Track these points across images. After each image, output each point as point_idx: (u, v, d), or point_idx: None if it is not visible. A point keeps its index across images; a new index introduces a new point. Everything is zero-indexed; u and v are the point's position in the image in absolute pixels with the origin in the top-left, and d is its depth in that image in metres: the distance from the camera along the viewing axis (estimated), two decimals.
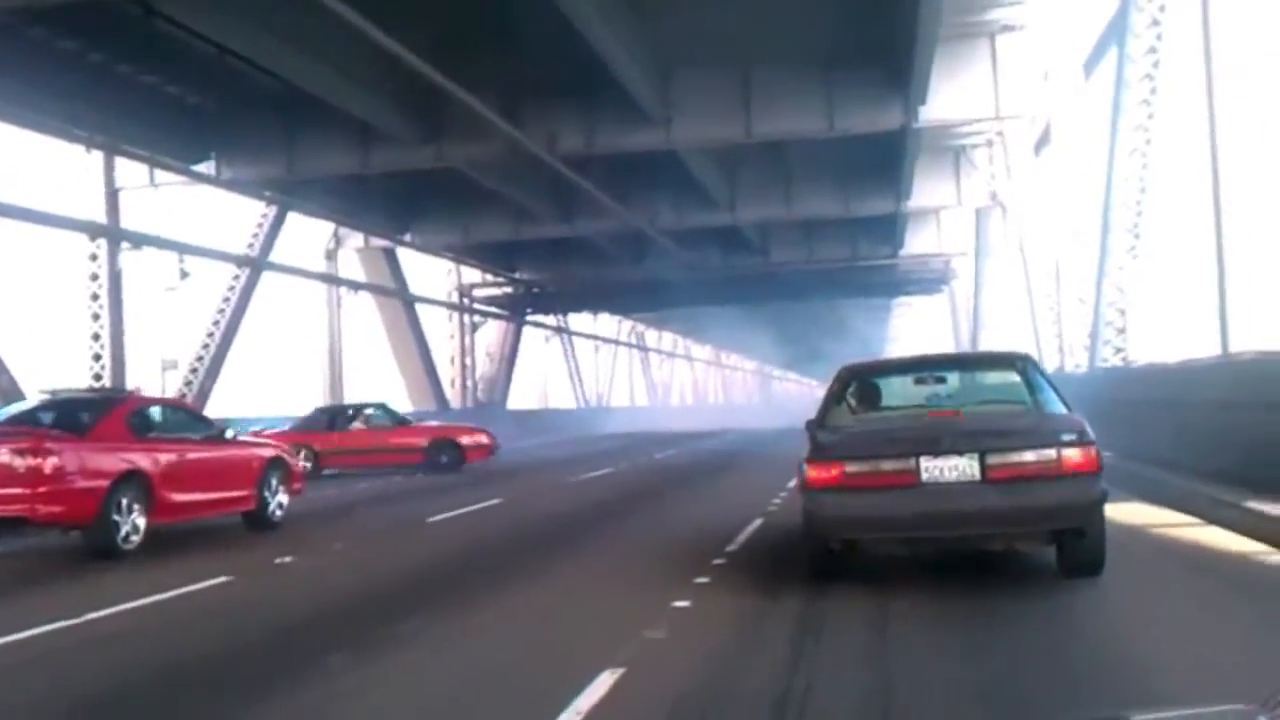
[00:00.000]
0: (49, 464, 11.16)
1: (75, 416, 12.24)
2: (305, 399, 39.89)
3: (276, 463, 14.25)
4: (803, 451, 8.77)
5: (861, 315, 69.49)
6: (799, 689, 5.86)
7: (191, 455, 12.94)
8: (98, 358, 28.34)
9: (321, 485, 21.30)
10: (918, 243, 43.27)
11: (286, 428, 26.64)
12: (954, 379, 10.49)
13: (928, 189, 34.61)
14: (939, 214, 41.40)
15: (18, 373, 24.02)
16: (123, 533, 11.66)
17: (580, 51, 20.48)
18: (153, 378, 31.52)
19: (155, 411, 13.30)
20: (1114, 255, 21.09)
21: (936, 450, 8.09)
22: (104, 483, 11.49)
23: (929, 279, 50.28)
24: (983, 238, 40.51)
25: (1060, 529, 8.23)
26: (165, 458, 12.44)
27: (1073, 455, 8.01)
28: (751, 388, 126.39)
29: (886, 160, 30.73)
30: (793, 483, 16.10)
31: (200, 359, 32.14)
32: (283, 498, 14.35)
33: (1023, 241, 31.63)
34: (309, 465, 23.74)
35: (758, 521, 12.77)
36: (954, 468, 8.06)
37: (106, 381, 27.99)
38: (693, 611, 8.07)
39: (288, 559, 11.45)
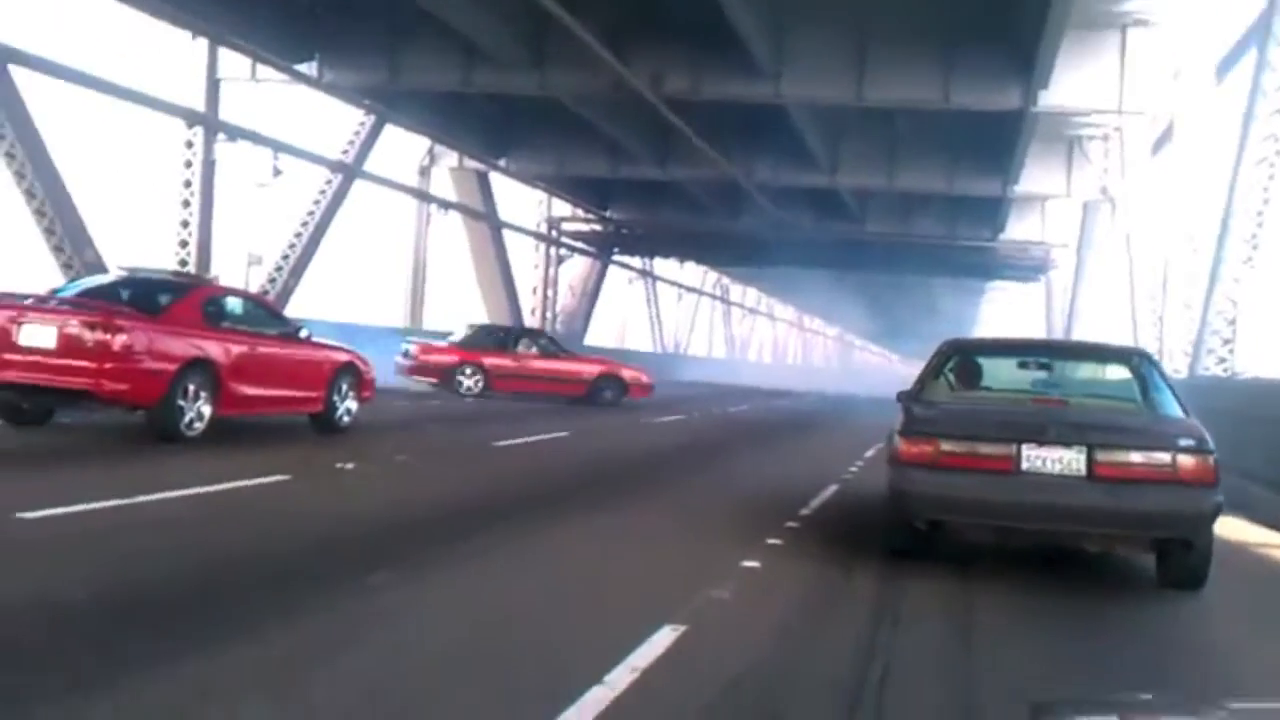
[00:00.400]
0: (118, 341, 10.98)
1: (150, 297, 12.07)
2: (384, 312, 40.05)
3: (349, 368, 14.04)
4: (894, 422, 8.36)
5: (952, 295, 68.28)
6: (873, 679, 5.43)
7: (263, 350, 12.73)
8: (184, 244, 28.38)
9: (391, 397, 21.15)
10: (1019, 229, 42.17)
11: (444, 343, 27.12)
12: (1061, 368, 9.96)
13: (1036, 176, 33.64)
14: (1044, 203, 40.34)
15: (105, 251, 24.09)
16: (187, 419, 11.49)
17: None
18: (237, 271, 31.61)
19: (231, 302, 13.10)
20: (1229, 263, 20.22)
21: (1041, 439, 7.63)
22: (172, 366, 11.30)
23: (1027, 266, 49.13)
24: (1088, 232, 39.41)
25: (1166, 538, 7.75)
26: (236, 349, 12.25)
27: (1188, 462, 7.52)
28: (831, 354, 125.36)
29: (997, 142, 29.88)
30: (870, 452, 15.77)
31: (285, 258, 32.10)
32: (352, 404, 14.15)
33: (1130, 240, 30.61)
34: (479, 383, 25.05)
35: (833, 488, 12.37)
36: (1058, 459, 7.60)
37: (191, 268, 28.08)
38: (762, 574, 7.71)
39: (349, 465, 11.24)
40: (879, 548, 8.41)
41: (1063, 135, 32.36)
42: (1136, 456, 7.60)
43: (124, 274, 13.55)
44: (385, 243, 40.87)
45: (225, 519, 8.31)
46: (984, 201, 37.42)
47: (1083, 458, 7.56)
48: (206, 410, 11.70)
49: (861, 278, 59.33)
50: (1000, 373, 9.63)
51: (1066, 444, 7.59)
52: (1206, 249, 21.61)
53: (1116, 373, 9.64)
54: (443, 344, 26.67)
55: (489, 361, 26.01)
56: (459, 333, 28.46)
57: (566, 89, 27.17)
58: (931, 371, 9.08)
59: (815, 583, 7.59)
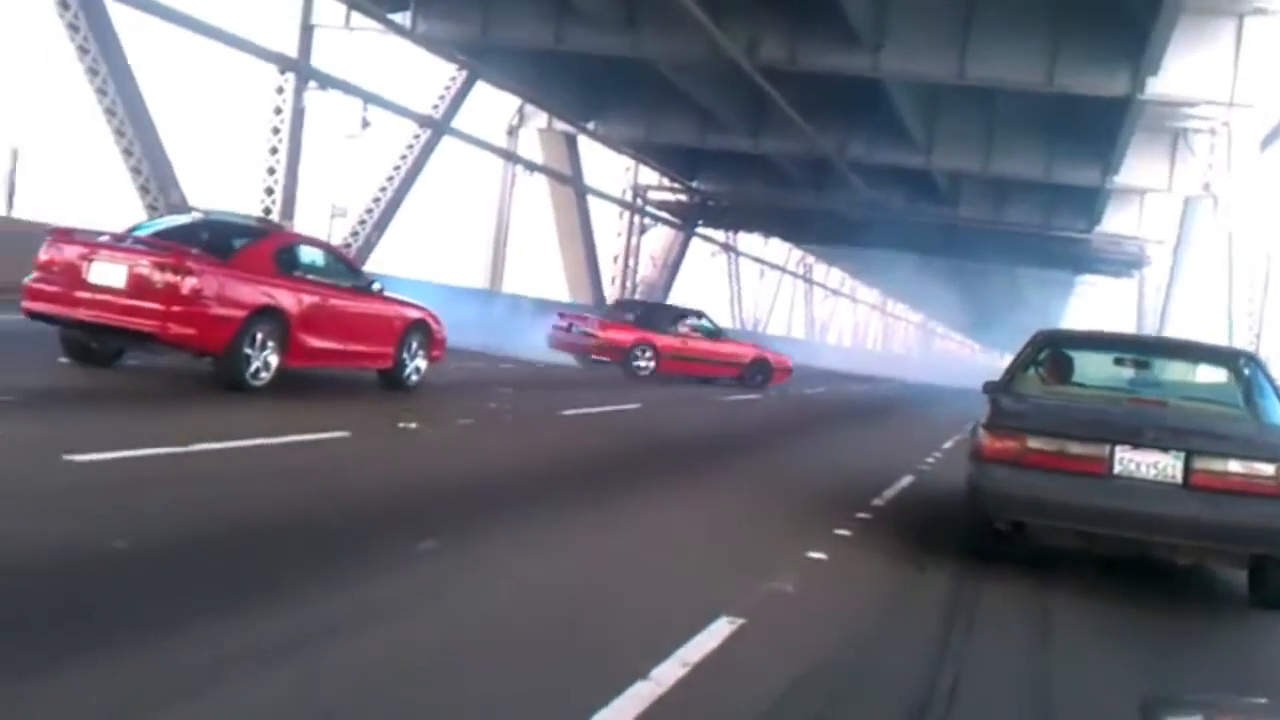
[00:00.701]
0: (187, 284, 10.74)
1: (224, 240, 11.80)
2: (463, 272, 39.95)
3: (419, 325, 13.73)
4: (979, 414, 7.91)
5: (1039, 287, 66.94)
6: (943, 688, 5.03)
7: (335, 302, 12.43)
8: (270, 192, 28.36)
9: (460, 359, 20.95)
10: (1115, 222, 41.06)
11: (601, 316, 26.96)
12: (1160, 367, 9.44)
13: (1137, 168, 32.66)
14: (1143, 196, 39.19)
15: (192, 194, 24.12)
16: (253, 368, 11.25)
17: None
18: (321, 223, 31.61)
19: (305, 251, 12.77)
20: None
21: (1136, 441, 7.17)
22: (240, 313, 11.06)
23: (1121, 261, 47.86)
24: (1187, 229, 38.21)
25: (1264, 554, 7.24)
26: (307, 299, 11.96)
27: None
28: (912, 341, 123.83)
29: (1099, 129, 29.00)
30: (949, 443, 15.25)
31: (370, 211, 32.03)
32: (421, 363, 13.86)
33: (1233, 239, 29.57)
34: (652, 364, 24.11)
35: (908, 479, 11.88)
36: (1153, 464, 7.14)
37: (275, 217, 28.08)
38: (828, 567, 7.28)
39: (412, 425, 10.90)
40: (954, 545, 7.98)
41: (1167, 127, 31.33)
42: (1237, 466, 7.10)
43: (201, 216, 13.36)
44: (469, 202, 40.68)
45: (274, 475, 8.03)
46: (1081, 191, 36.42)
47: (1180, 464, 7.10)
48: (274, 360, 11.44)
49: (949, 264, 58.27)
50: (1095, 368, 9.11)
51: (1164, 448, 7.14)
52: None
53: (1219, 375, 9.13)
54: (600, 318, 26.29)
55: (661, 342, 24.94)
56: (606, 307, 28.96)
57: (660, 53, 26.72)
58: (1022, 363, 8.59)
59: (885, 579, 7.20)
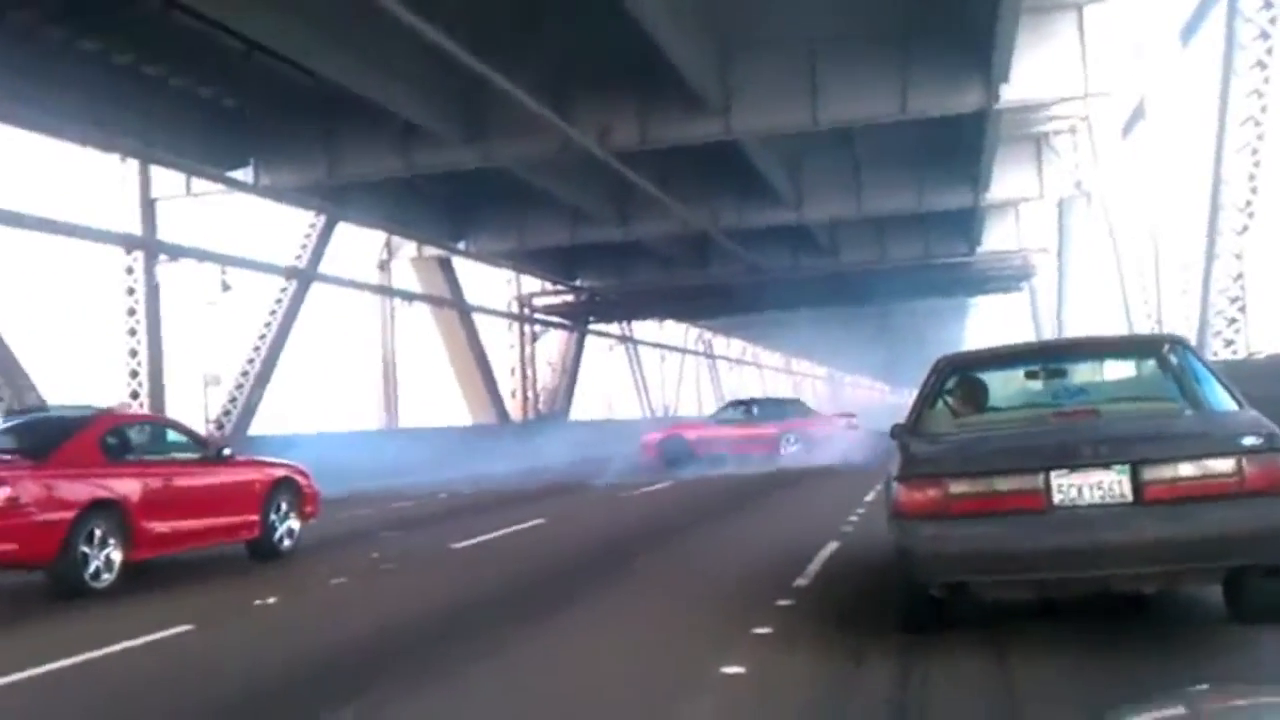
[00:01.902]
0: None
1: (46, 438, 10.67)
2: (357, 414, 38.75)
3: (285, 485, 12.59)
4: (889, 464, 6.87)
5: (936, 317, 67.17)
6: None
7: (180, 480, 11.31)
8: (135, 374, 27.13)
9: (351, 508, 19.76)
10: (995, 238, 41.15)
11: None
12: (1079, 371, 8.45)
13: (1007, 180, 32.60)
14: (1018, 207, 39.32)
15: (52, 391, 22.80)
16: (92, 569, 10.05)
17: (632, 35, 18.88)
18: (194, 393, 30.31)
19: (137, 430, 11.70)
20: (1224, 237, 19.00)
21: (1072, 462, 6.15)
22: (68, 514, 9.89)
23: (1007, 276, 47.99)
24: (1066, 230, 38.31)
25: (1242, 566, 6.23)
26: (146, 483, 10.83)
27: (1260, 465, 6.02)
28: (821, 394, 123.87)
29: (963, 149, 28.85)
30: (870, 495, 14.32)
31: (245, 374, 30.81)
32: (293, 524, 12.68)
33: (1113, 231, 29.44)
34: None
35: (832, 546, 10.84)
36: (1097, 485, 6.12)
37: (144, 397, 26.83)
38: (747, 682, 6.10)
39: (270, 600, 9.65)
40: (892, 621, 6.93)
41: (1029, 134, 31.38)
42: (1193, 468, 6.14)
43: (29, 415, 12.19)
44: (353, 343, 39.61)
45: (91, 695, 6.80)
46: (956, 215, 36.33)
47: (1127, 479, 6.11)
48: (117, 556, 10.25)
49: (843, 312, 58.17)
50: (1009, 388, 8.15)
51: (1105, 464, 6.14)
52: (1198, 227, 20.39)
53: (1147, 368, 8.15)
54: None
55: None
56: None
57: (512, 157, 26.08)
58: (928, 397, 7.51)
59: (814, 683, 6.03)
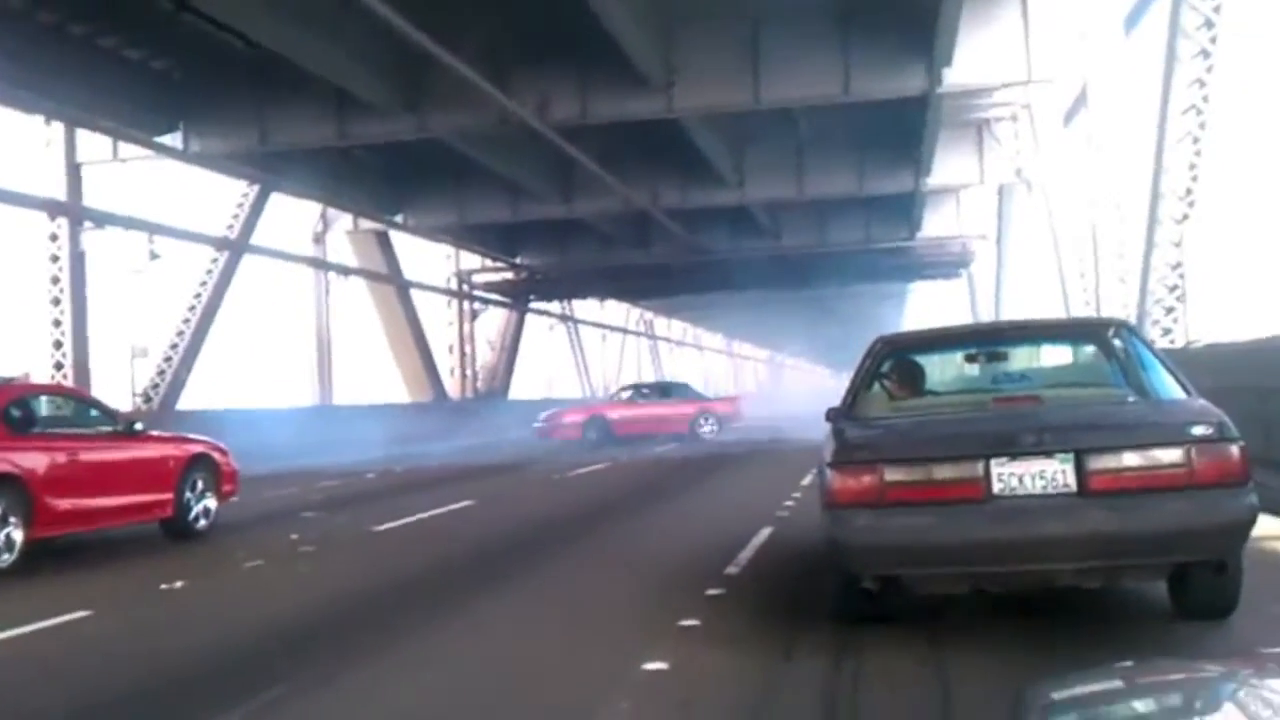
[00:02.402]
0: None
1: None
2: (292, 389, 38.12)
3: (201, 462, 12.11)
4: (823, 449, 6.51)
5: (876, 302, 67.37)
6: None
7: (87, 455, 10.79)
8: (58, 345, 26.40)
9: (277, 486, 19.29)
10: (935, 224, 41.08)
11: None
12: (1021, 355, 8.17)
13: (948, 166, 32.46)
14: (959, 194, 39.27)
15: None
16: None
17: (572, 6, 18.47)
18: (120, 366, 29.60)
19: (42, 402, 11.18)
20: (1164, 225, 18.92)
21: (1013, 449, 5.83)
22: None
23: (947, 263, 48.04)
24: (1005, 217, 38.40)
25: (1189, 561, 5.96)
26: (51, 458, 10.32)
27: (1209, 456, 5.74)
28: (763, 377, 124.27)
29: (905, 134, 28.70)
30: (806, 479, 14.07)
31: (174, 347, 30.07)
32: (210, 503, 12.19)
33: (1053, 219, 29.44)
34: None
35: (766, 532, 10.55)
36: (1039, 474, 5.80)
37: (68, 369, 26.12)
38: (671, 679, 5.74)
39: (178, 584, 9.17)
40: (825, 611, 6.64)
41: (971, 120, 31.27)
42: (1141, 458, 5.84)
43: None
44: (287, 317, 38.93)
45: None
46: (897, 200, 36.25)
47: (1070, 468, 5.79)
48: (17, 536, 9.73)
49: (784, 295, 58.14)
50: (949, 371, 7.84)
51: (1048, 452, 5.82)
52: (1137, 215, 20.33)
53: (1090, 353, 7.80)
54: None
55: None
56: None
57: (450, 128, 25.55)
58: (864, 379, 7.13)
59: (742, 678, 5.68)
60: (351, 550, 11.21)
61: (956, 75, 22.24)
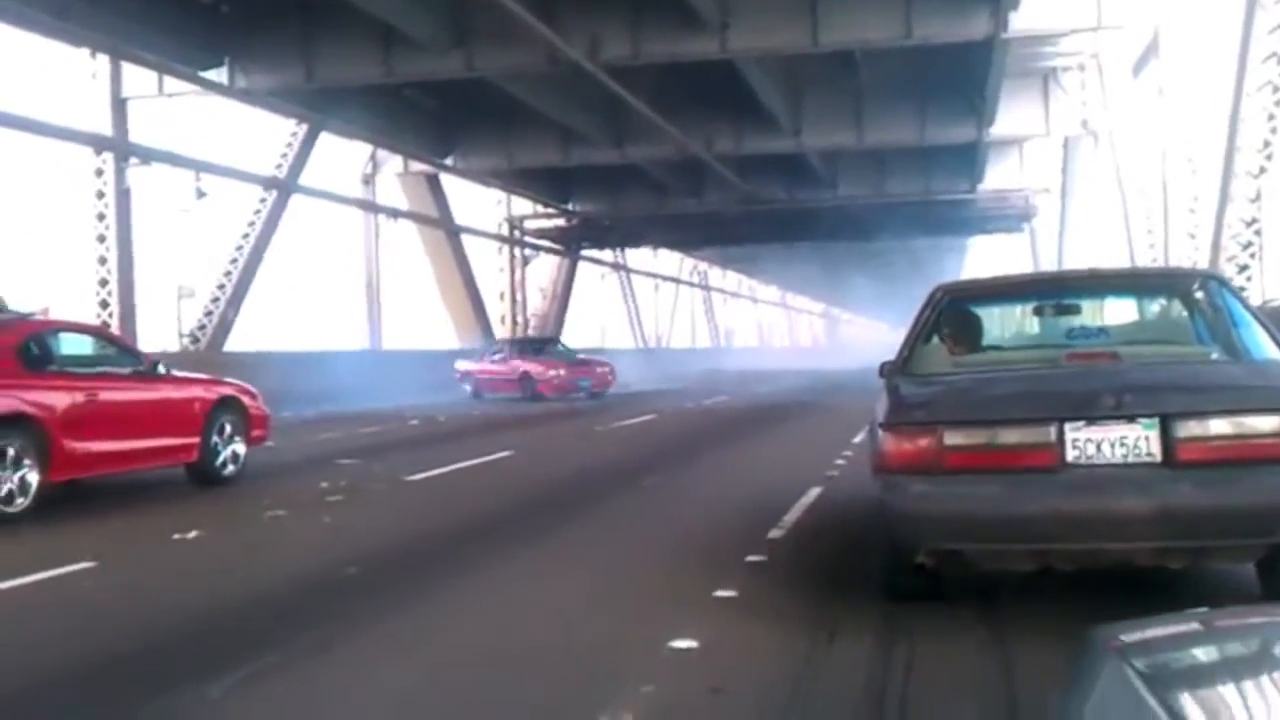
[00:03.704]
0: None
1: None
2: (341, 333, 37.88)
3: (229, 405, 11.66)
4: (875, 408, 5.88)
5: (935, 255, 66.27)
6: None
7: (107, 395, 10.33)
8: (104, 283, 26.20)
9: (318, 430, 18.99)
10: (997, 177, 40.04)
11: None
12: (1095, 308, 7.44)
13: (1012, 116, 31.43)
14: (1022, 146, 38.21)
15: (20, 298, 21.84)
16: (3, 492, 9.17)
17: None
18: (167, 306, 29.42)
19: (62, 339, 10.72)
20: (1240, 179, 18.07)
21: (1090, 412, 5.16)
22: None
23: (1009, 216, 46.93)
24: (1071, 170, 37.33)
25: None
26: (70, 397, 9.87)
27: None
28: (819, 331, 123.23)
29: (968, 80, 27.83)
30: (859, 437, 13.51)
31: (221, 288, 29.83)
32: (238, 448, 11.75)
33: (1120, 173, 28.47)
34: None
35: (814, 491, 9.94)
36: (1119, 441, 5.14)
37: (114, 308, 25.93)
38: (702, 657, 5.16)
39: (191, 534, 8.68)
40: (873, 586, 6.04)
41: (1036, 69, 30.26)
42: (1237, 425, 5.11)
43: None
44: (337, 260, 38.67)
45: None
46: (959, 150, 35.28)
47: (1155, 434, 5.11)
48: (33, 478, 9.30)
49: (841, 247, 57.25)
50: (1015, 324, 7.14)
51: (1129, 416, 5.14)
52: (1212, 168, 19.46)
53: (1175, 308, 7.02)
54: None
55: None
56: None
57: (498, 67, 24.99)
58: (922, 331, 6.44)
59: (779, 662, 5.05)
60: (380, 501, 10.73)
61: (1023, 20, 21.43)
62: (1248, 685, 1.96)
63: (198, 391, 11.51)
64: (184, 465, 11.34)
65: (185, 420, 11.10)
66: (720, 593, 6.28)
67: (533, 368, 30.90)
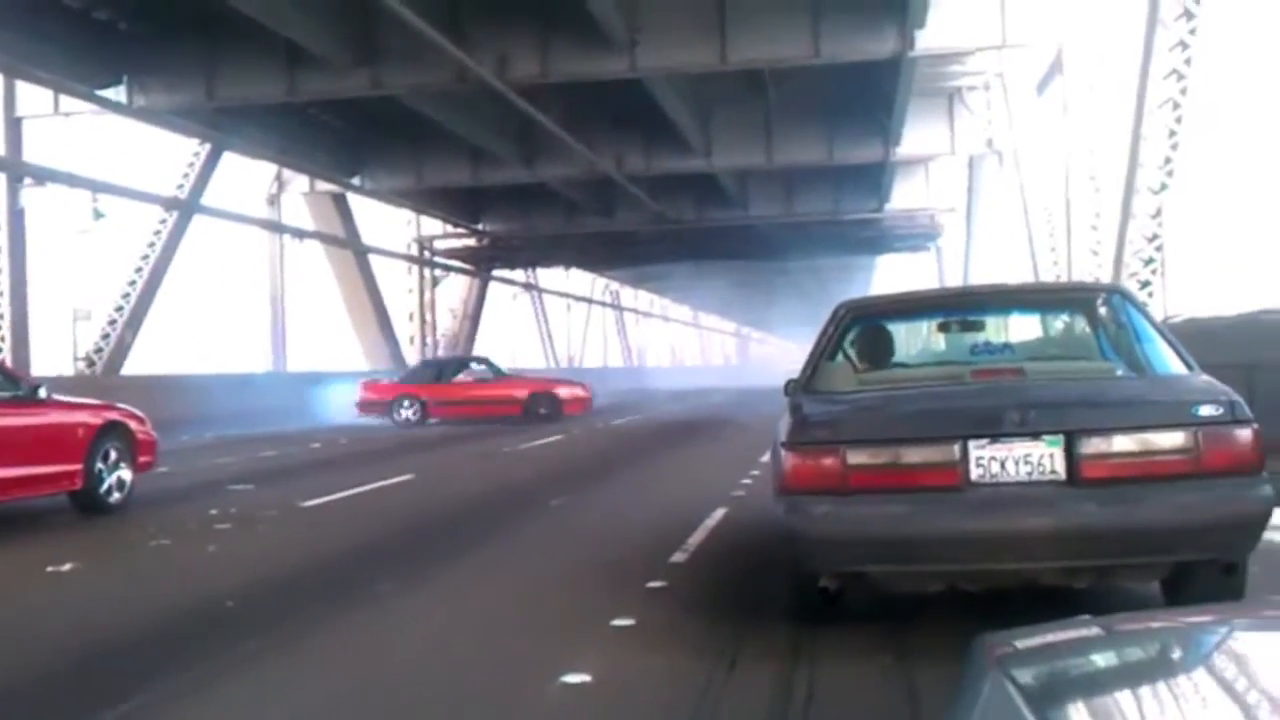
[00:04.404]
0: None
1: None
2: (244, 355, 37.15)
3: (114, 430, 11.19)
4: (778, 427, 5.74)
5: (843, 275, 66.76)
6: None
7: None
8: None
9: (215, 455, 18.49)
10: (904, 196, 40.43)
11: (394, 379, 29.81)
12: (1001, 324, 7.55)
13: (918, 136, 31.73)
14: (928, 165, 38.61)
15: None
16: None
17: None
18: (63, 329, 28.63)
19: None
20: (1141, 195, 18.27)
21: (994, 430, 5.11)
22: None
23: (915, 235, 47.50)
24: (975, 189, 37.79)
25: (1193, 561, 5.20)
26: None
27: (1218, 440, 5.02)
28: (730, 350, 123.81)
29: (875, 102, 28.04)
30: (766, 456, 13.39)
31: (120, 310, 29.06)
32: (125, 474, 11.28)
33: (1024, 190, 28.81)
34: (415, 414, 27.46)
35: (720, 512, 9.78)
36: (1024, 459, 5.09)
37: (5, 332, 25.15)
38: (592, 693, 4.90)
39: (66, 566, 8.21)
40: (779, 608, 5.89)
41: (942, 89, 30.57)
42: (1138, 441, 5.10)
43: None
44: (240, 282, 37.96)
45: None
46: (867, 170, 35.58)
47: (1059, 452, 5.08)
48: None
49: (750, 267, 57.54)
50: (918, 341, 7.08)
51: (1034, 433, 5.11)
52: (1114, 184, 19.67)
53: (1079, 322, 7.01)
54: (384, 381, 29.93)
55: (425, 393, 27.97)
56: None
57: (405, 86, 24.61)
58: (826, 349, 6.33)
59: (678, 691, 4.84)
60: (270, 528, 10.31)
61: (929, 38, 21.56)
62: (1129, 695, 1.91)
63: (82, 417, 11.03)
64: (67, 493, 10.86)
65: (67, 447, 10.61)
66: (618, 621, 6.04)
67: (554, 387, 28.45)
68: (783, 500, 5.38)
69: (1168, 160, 17.82)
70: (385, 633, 6.17)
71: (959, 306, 7.36)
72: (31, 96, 25.88)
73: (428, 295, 44.88)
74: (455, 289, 47.98)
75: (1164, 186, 18.01)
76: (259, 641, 6.00)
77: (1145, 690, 1.91)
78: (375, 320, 40.75)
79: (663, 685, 4.96)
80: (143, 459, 11.59)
